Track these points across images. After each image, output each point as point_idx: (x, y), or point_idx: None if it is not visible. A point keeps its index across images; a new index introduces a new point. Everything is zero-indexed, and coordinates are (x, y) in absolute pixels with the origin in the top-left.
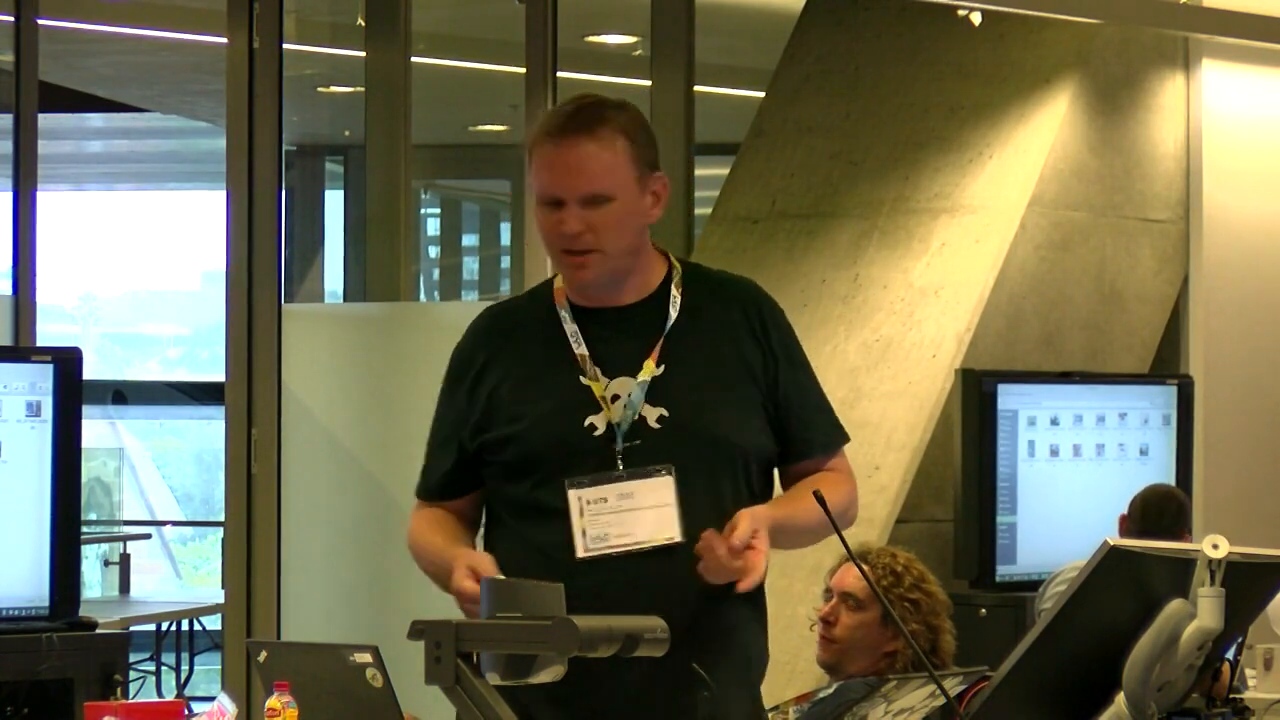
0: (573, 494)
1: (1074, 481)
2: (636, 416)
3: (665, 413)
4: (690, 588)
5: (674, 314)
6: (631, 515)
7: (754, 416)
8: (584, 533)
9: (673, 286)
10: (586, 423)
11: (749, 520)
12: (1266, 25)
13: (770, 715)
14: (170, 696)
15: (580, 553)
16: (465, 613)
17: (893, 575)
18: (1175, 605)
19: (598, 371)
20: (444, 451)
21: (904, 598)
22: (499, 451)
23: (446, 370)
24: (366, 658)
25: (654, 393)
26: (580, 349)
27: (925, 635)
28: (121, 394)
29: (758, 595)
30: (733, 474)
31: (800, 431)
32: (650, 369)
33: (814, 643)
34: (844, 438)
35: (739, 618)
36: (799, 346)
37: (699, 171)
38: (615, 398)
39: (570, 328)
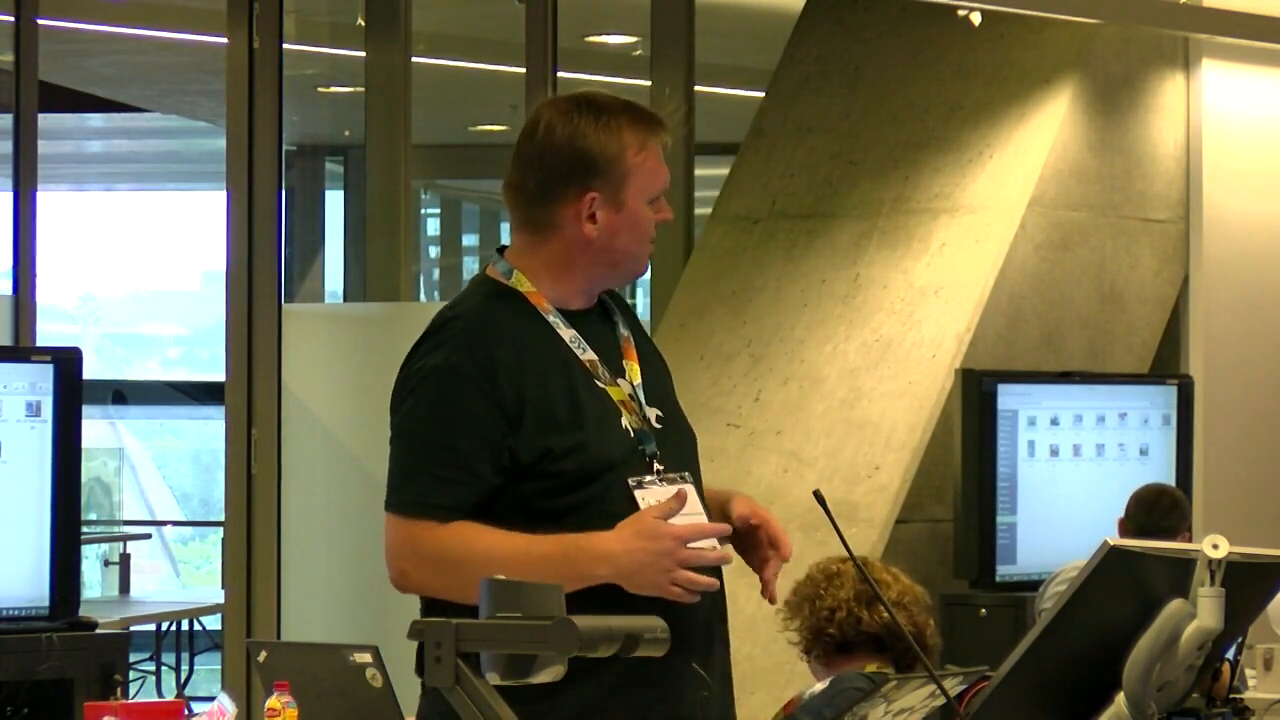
0: (639, 495)
1: (1074, 481)
2: (645, 418)
3: (659, 412)
4: (722, 594)
5: (618, 315)
6: (684, 520)
7: None
8: None
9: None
10: (624, 426)
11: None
12: (1266, 25)
13: None
14: (170, 696)
15: None
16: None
17: (808, 580)
18: (1175, 605)
19: (608, 375)
20: (482, 463)
21: (813, 599)
22: (562, 459)
23: (445, 379)
24: (366, 658)
25: (645, 393)
26: (586, 354)
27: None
28: (121, 394)
29: None
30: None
31: None
32: (636, 370)
33: None
34: None
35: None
36: None
37: (699, 171)
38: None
39: (568, 333)
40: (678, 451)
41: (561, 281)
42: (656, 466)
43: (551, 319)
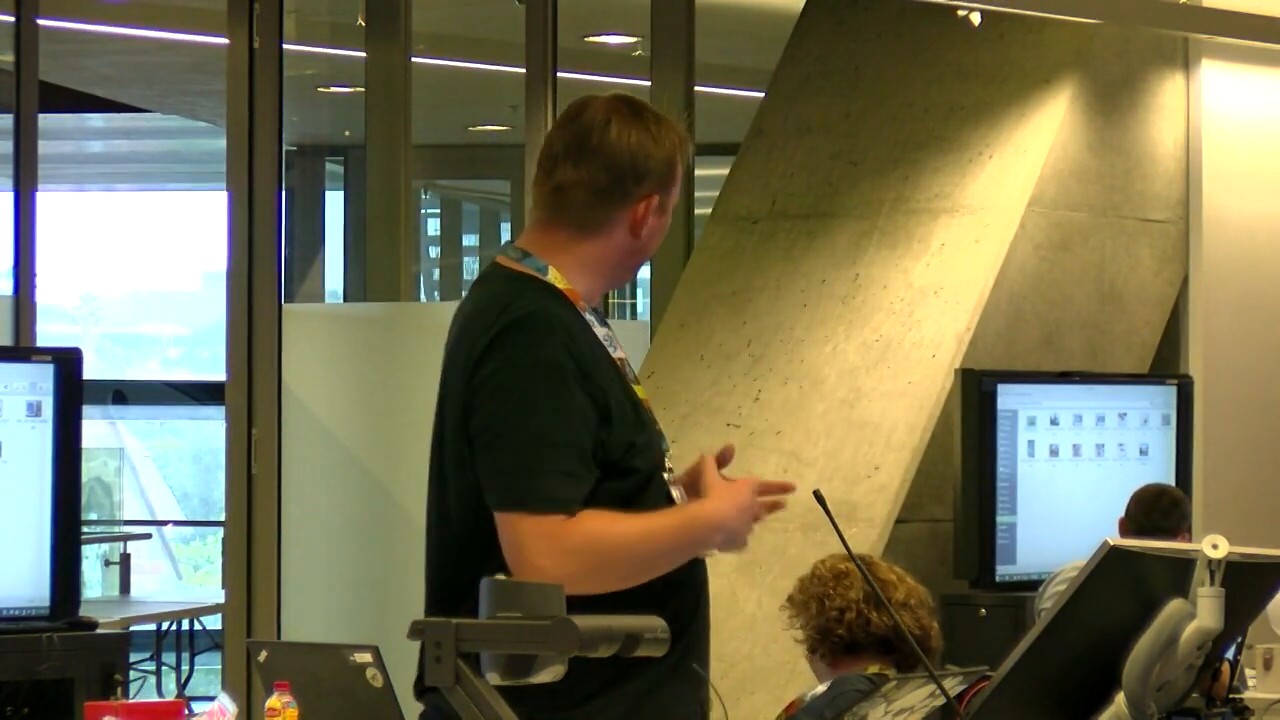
0: (676, 494)
1: (1074, 481)
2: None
3: (650, 413)
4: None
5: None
6: None
7: None
8: None
9: None
10: (655, 424)
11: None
12: (1266, 25)
13: None
14: (170, 696)
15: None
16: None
17: (816, 578)
18: (1175, 605)
19: (633, 374)
20: (590, 460)
21: (821, 599)
22: (636, 458)
23: (553, 379)
24: (366, 658)
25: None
26: (617, 353)
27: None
28: (122, 394)
29: None
30: None
31: None
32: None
33: None
34: None
35: None
36: None
37: (699, 171)
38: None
39: (602, 331)
40: (665, 446)
41: (593, 280)
42: (668, 464)
43: (588, 316)
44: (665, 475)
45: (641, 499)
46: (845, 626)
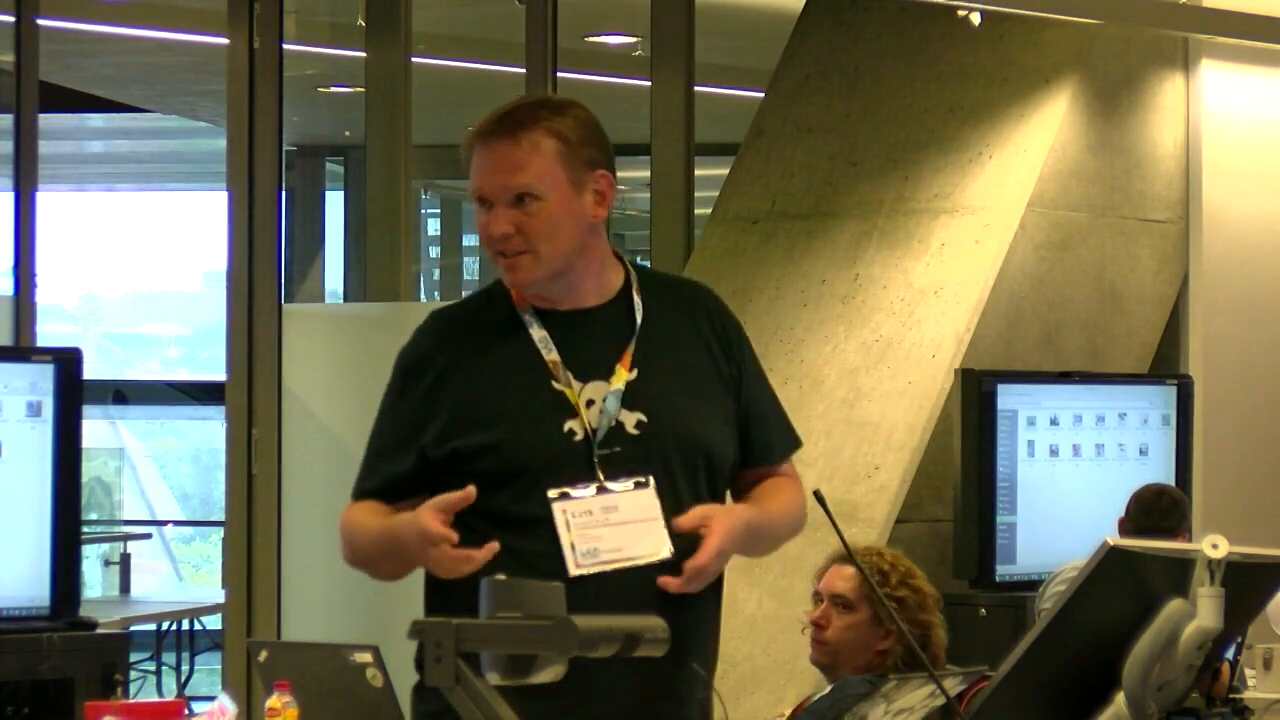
0: (557, 508)
1: (1074, 481)
2: (614, 422)
3: (644, 418)
4: (680, 600)
5: (640, 317)
6: (619, 530)
7: (725, 423)
8: (573, 548)
9: (633, 290)
10: (565, 428)
11: (724, 517)
12: (1266, 25)
13: None
14: (170, 696)
15: (573, 570)
16: (433, 558)
17: (879, 574)
18: (1175, 605)
19: (569, 376)
20: (398, 454)
21: (891, 595)
22: (474, 460)
23: (395, 372)
24: (366, 658)
25: (630, 397)
26: (550, 354)
27: (914, 631)
28: (122, 394)
29: (721, 598)
30: (710, 480)
31: (761, 436)
32: (624, 374)
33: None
34: (798, 442)
35: (713, 623)
36: (753, 350)
37: (699, 171)
38: (590, 403)
39: (538, 333)
40: (652, 454)
41: None
42: (599, 473)
43: (526, 317)
44: (561, 490)
45: (498, 502)
46: (934, 645)
